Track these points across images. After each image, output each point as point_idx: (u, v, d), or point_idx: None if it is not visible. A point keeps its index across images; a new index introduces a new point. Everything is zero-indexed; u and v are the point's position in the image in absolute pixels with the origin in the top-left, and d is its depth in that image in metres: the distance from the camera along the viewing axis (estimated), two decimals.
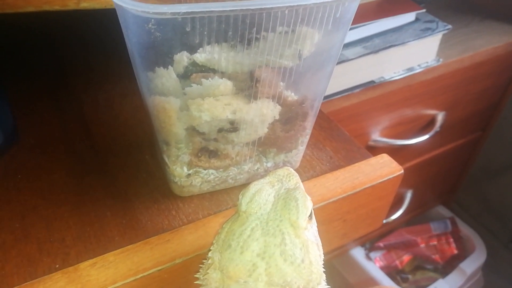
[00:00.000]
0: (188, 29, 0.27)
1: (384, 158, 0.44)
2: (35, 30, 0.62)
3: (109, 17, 0.36)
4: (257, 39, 0.30)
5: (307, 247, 0.27)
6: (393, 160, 0.44)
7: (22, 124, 0.46)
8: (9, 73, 0.54)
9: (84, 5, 0.35)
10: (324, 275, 0.28)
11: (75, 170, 0.43)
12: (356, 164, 0.43)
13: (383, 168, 0.42)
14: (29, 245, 0.35)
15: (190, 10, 0.25)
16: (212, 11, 0.25)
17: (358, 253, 1.06)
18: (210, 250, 0.28)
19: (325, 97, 0.68)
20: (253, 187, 0.28)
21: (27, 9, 0.34)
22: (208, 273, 0.27)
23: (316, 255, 0.27)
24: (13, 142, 0.45)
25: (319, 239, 0.29)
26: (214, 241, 0.28)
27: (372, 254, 1.09)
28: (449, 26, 0.74)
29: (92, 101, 0.51)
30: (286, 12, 0.28)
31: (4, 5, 0.32)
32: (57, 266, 0.33)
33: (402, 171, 0.43)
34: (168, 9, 0.24)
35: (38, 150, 0.44)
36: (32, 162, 0.43)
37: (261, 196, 0.28)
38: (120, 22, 0.29)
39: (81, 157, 0.44)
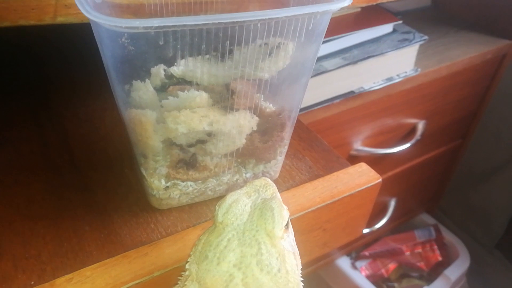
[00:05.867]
0: (161, 42, 0.27)
1: (363, 167, 0.44)
2: (14, 44, 0.62)
3: (88, 31, 0.36)
4: (231, 51, 0.31)
5: (283, 257, 0.27)
6: (371, 169, 0.44)
7: (0, 140, 0.46)
8: None
9: (61, 19, 0.35)
10: (301, 284, 0.28)
11: (54, 185, 0.42)
12: (335, 173, 0.43)
13: (361, 177, 0.43)
14: (4, 262, 0.34)
15: (162, 24, 0.25)
16: (184, 25, 0.26)
17: (344, 263, 1.06)
18: (187, 262, 0.28)
19: (306, 108, 0.69)
20: (230, 198, 0.29)
21: (3, 24, 0.34)
22: (186, 285, 0.27)
23: (292, 264, 0.28)
24: None
25: (296, 248, 0.29)
26: (191, 253, 0.28)
27: (358, 263, 1.10)
28: (426, 37, 0.76)
29: (72, 115, 0.51)
30: (259, 25, 0.28)
31: None
32: (32, 282, 0.33)
33: (380, 179, 0.43)
34: (140, 24, 0.25)
35: (16, 166, 0.44)
36: (10, 179, 0.42)
37: (237, 206, 0.28)
38: (95, 36, 0.29)
39: (60, 172, 0.44)
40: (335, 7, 0.30)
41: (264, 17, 0.27)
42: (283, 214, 0.28)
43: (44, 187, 0.42)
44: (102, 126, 0.50)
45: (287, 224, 0.28)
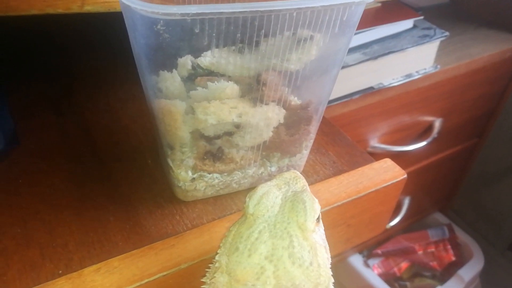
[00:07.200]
0: (197, 30, 0.27)
1: (388, 162, 0.44)
2: (36, 33, 0.62)
3: (112, 21, 0.36)
4: (264, 41, 0.30)
5: (315, 250, 0.26)
6: (396, 165, 0.44)
7: (22, 129, 0.46)
8: (10, 76, 0.54)
9: (88, 8, 0.35)
10: (332, 278, 0.27)
11: (77, 175, 0.42)
12: (360, 168, 0.43)
13: (387, 173, 0.42)
14: (32, 251, 0.34)
15: (200, 11, 0.25)
16: (221, 12, 0.25)
17: (356, 260, 1.06)
18: (217, 253, 0.27)
19: None
20: (260, 190, 0.28)
21: (30, 12, 0.33)
22: (215, 276, 0.27)
23: (324, 258, 0.27)
24: (14, 147, 0.44)
25: (326, 242, 0.29)
26: (221, 244, 0.28)
27: (370, 261, 1.09)
28: (447, 33, 0.74)
29: (93, 105, 0.51)
30: (294, 14, 0.28)
31: (7, 8, 0.32)
32: (60, 271, 0.33)
33: (405, 175, 0.43)
34: (177, 10, 0.24)
35: (39, 155, 0.44)
36: (33, 167, 0.42)
37: (268, 198, 0.28)
38: (127, 24, 0.29)
39: (82, 161, 0.44)
40: None
41: (301, 6, 0.27)
42: (315, 207, 0.27)
43: (67, 176, 0.42)
44: (123, 116, 0.49)
45: (318, 218, 0.28)
